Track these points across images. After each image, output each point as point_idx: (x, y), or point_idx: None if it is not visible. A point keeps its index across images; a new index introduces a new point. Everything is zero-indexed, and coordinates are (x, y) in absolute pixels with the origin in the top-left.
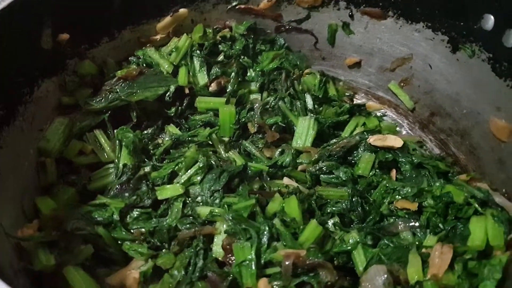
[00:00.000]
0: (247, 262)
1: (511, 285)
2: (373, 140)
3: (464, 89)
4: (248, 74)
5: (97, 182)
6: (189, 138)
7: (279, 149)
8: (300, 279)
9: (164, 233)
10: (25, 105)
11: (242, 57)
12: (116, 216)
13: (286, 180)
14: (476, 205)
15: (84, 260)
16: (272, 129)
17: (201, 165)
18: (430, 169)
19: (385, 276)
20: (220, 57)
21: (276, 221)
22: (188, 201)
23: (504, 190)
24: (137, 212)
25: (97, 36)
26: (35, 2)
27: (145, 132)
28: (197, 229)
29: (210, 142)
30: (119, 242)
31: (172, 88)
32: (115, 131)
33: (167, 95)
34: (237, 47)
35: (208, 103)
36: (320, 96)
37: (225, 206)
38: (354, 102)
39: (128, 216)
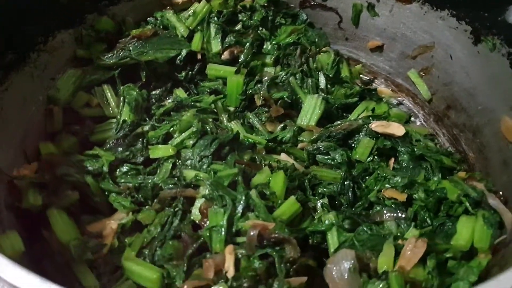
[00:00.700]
0: (218, 227)
1: None
2: (375, 125)
3: (481, 84)
4: (265, 46)
5: (99, 135)
6: (192, 103)
7: (282, 124)
8: (264, 251)
9: (148, 190)
10: (38, 53)
11: (260, 28)
12: (105, 168)
13: (283, 156)
14: (467, 205)
15: (70, 206)
16: (278, 104)
17: (194, 130)
18: (432, 163)
19: (352, 261)
20: (238, 26)
21: (253, 192)
22: (178, 163)
23: (501, 192)
24: (127, 167)
25: None
26: None
27: (153, 92)
28: (179, 190)
29: (215, 110)
30: (106, 193)
31: (184, 52)
32: (121, 87)
33: (178, 58)
34: (256, 18)
35: (218, 71)
36: (331, 75)
37: (211, 172)
38: (366, 86)
39: (118, 170)
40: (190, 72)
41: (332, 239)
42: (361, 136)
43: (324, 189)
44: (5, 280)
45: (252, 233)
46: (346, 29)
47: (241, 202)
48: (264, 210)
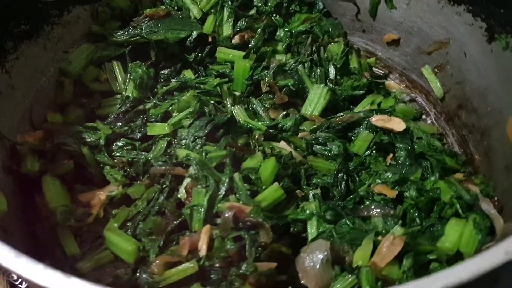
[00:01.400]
0: (199, 207)
1: None
2: (375, 119)
3: (492, 84)
4: (277, 33)
5: (104, 109)
6: (196, 84)
7: (284, 112)
8: (238, 233)
9: (140, 165)
10: (52, 25)
11: (274, 15)
12: (102, 141)
13: (282, 144)
14: (458, 207)
15: (65, 174)
16: (283, 91)
17: (191, 110)
18: (433, 162)
19: (326, 253)
20: (252, 11)
21: (236, 175)
22: (173, 142)
23: (496, 198)
24: (123, 142)
25: None
26: None
27: (162, 72)
28: (168, 167)
29: (221, 93)
30: (100, 165)
31: (195, 34)
32: (130, 64)
33: (188, 40)
34: (270, 4)
35: (228, 54)
36: (338, 66)
37: (203, 153)
38: (374, 79)
39: (114, 144)
40: (199, 54)
41: (311, 229)
42: (361, 129)
43: (318, 180)
44: None
45: (227, 215)
46: (363, 21)
47: (225, 184)
48: (246, 194)
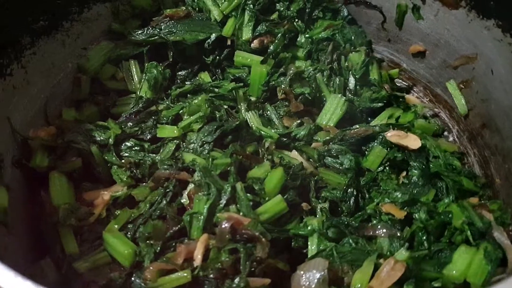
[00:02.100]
0: (199, 215)
1: None
2: (390, 134)
3: None
4: (298, 39)
5: (119, 108)
6: (211, 88)
7: (298, 121)
8: (234, 245)
9: (146, 167)
10: (71, 22)
11: (296, 20)
12: (111, 140)
13: (293, 153)
14: (469, 234)
15: (72, 171)
16: (298, 99)
17: (201, 114)
18: (448, 183)
19: (323, 272)
20: (274, 16)
21: (238, 185)
22: (182, 146)
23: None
24: (132, 142)
25: None
26: None
27: (179, 73)
28: (172, 172)
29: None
30: (108, 164)
31: (213, 36)
32: (146, 64)
33: (207, 42)
34: (293, 9)
35: (246, 59)
36: (357, 76)
37: (210, 159)
38: (393, 92)
39: (123, 144)
40: (217, 57)
41: (312, 246)
42: (375, 143)
43: (328, 194)
44: None
45: (224, 225)
46: (389, 30)
47: (227, 193)
48: (247, 204)
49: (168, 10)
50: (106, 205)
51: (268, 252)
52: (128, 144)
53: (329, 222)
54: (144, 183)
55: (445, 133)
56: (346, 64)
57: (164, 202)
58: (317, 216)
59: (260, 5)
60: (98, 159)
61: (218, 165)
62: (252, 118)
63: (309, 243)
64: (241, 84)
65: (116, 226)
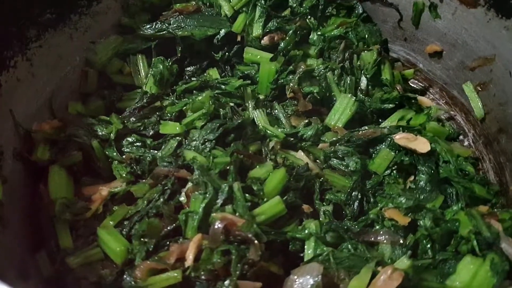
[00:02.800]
0: (194, 214)
1: None
2: (398, 137)
3: None
4: (311, 36)
5: (124, 103)
6: (218, 84)
7: (306, 120)
8: (226, 247)
9: (146, 163)
10: (79, 15)
11: (309, 17)
12: (113, 135)
13: (299, 154)
14: (475, 244)
15: (73, 165)
16: (307, 98)
17: (204, 112)
18: (459, 190)
19: (317, 278)
20: (285, 12)
21: (236, 185)
22: (184, 143)
23: None
24: (133, 138)
25: None
26: None
27: (187, 69)
28: (172, 169)
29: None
30: (109, 159)
31: (223, 32)
32: (153, 59)
33: (216, 37)
34: (305, 5)
35: (255, 55)
36: (368, 76)
37: (211, 157)
38: (406, 93)
39: (125, 139)
40: (227, 53)
41: (308, 250)
42: (383, 146)
43: (332, 196)
44: None
45: (217, 226)
46: (405, 29)
47: (224, 192)
48: (243, 205)
49: (178, 4)
50: (104, 200)
51: (261, 255)
52: (130, 139)
53: (328, 226)
54: (143, 180)
55: (461, 137)
56: (358, 63)
57: (162, 200)
58: (320, 218)
59: (271, 1)
60: (99, 154)
61: (217, 163)
62: (259, 117)
63: (305, 246)
64: (249, 81)
65: (111, 222)
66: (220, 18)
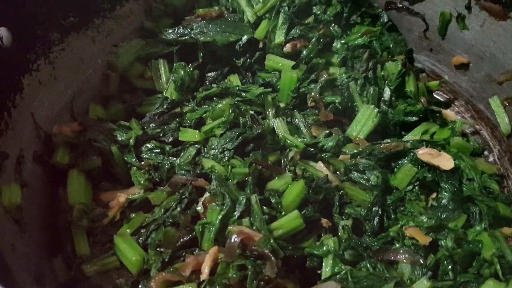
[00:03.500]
0: (210, 225)
1: None
2: (421, 152)
3: None
4: (334, 44)
5: (145, 107)
6: (238, 92)
7: (327, 131)
8: (242, 262)
9: (164, 171)
10: (102, 19)
11: (333, 25)
12: (132, 141)
13: (319, 165)
14: (498, 267)
15: (91, 170)
16: (328, 108)
17: (224, 120)
18: (482, 209)
19: None
20: (309, 19)
21: (253, 197)
22: (203, 151)
23: None
24: (153, 144)
25: None
26: None
27: (208, 74)
28: (189, 178)
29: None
30: (128, 165)
31: (245, 38)
32: (175, 64)
33: (238, 44)
34: (329, 13)
35: (277, 63)
36: (392, 87)
37: (229, 166)
38: (431, 106)
39: (144, 145)
40: (248, 60)
41: (326, 267)
42: (405, 161)
43: (352, 210)
44: None
45: (233, 240)
46: (431, 39)
47: (241, 204)
48: (261, 218)
49: (201, 10)
50: (121, 207)
51: (277, 272)
52: (149, 145)
53: (347, 244)
54: (161, 187)
55: (485, 152)
56: (382, 73)
57: (179, 209)
58: (339, 233)
59: (295, 8)
60: (118, 160)
61: (236, 174)
62: (279, 125)
63: (323, 264)
64: (270, 89)
65: (128, 230)
66: (243, 24)
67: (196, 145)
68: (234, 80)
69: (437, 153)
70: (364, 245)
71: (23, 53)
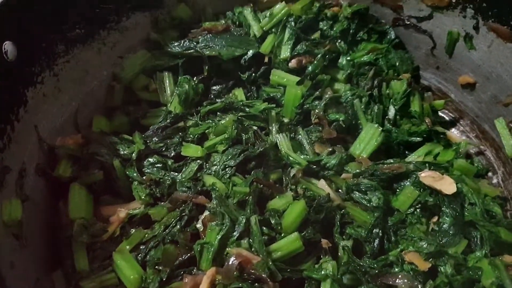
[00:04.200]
0: (209, 246)
1: None
2: (424, 175)
3: None
4: (340, 61)
5: (149, 120)
6: (242, 107)
7: (330, 148)
8: (239, 285)
9: (165, 186)
10: (108, 30)
11: (339, 41)
12: (134, 155)
13: (321, 183)
14: None
15: (93, 184)
16: (332, 126)
17: (226, 136)
18: (484, 234)
19: None
20: (315, 35)
21: (253, 219)
22: (205, 167)
23: None
24: (155, 159)
25: None
26: None
27: (213, 88)
28: (190, 195)
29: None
30: (129, 179)
31: (250, 53)
32: (180, 77)
33: (243, 58)
34: (336, 29)
35: (282, 78)
36: (396, 107)
37: (230, 184)
38: (435, 127)
39: (146, 160)
40: (253, 74)
41: None
42: (407, 183)
43: (352, 231)
44: None
45: (231, 262)
46: (438, 57)
47: (241, 225)
48: (260, 240)
49: (207, 23)
50: (121, 223)
51: None
52: (151, 160)
53: (345, 268)
54: (162, 203)
55: (489, 173)
56: (387, 91)
57: (178, 226)
58: (339, 254)
59: (302, 23)
60: (120, 174)
61: (236, 193)
62: (282, 141)
63: None
64: (274, 105)
65: (127, 247)
66: (249, 39)
67: (198, 161)
68: (239, 94)
69: (440, 176)
70: (363, 269)
71: (27, 66)
